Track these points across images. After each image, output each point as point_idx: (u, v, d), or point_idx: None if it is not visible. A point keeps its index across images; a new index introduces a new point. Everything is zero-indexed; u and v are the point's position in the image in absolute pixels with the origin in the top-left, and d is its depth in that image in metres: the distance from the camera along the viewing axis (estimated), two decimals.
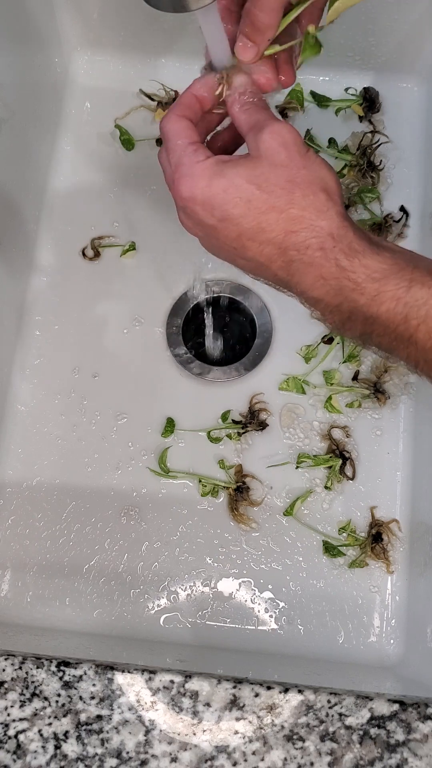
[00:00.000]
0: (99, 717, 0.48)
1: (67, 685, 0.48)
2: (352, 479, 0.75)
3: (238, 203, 0.48)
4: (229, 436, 0.76)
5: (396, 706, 0.48)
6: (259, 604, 0.72)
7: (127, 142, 0.87)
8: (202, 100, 0.53)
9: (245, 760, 0.46)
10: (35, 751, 0.47)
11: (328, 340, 0.78)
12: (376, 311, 0.46)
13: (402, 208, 0.83)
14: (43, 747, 0.47)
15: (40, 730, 0.47)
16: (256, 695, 0.48)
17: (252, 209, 0.48)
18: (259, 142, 0.49)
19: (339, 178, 0.83)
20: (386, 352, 0.49)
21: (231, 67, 0.53)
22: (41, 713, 0.48)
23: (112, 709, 0.48)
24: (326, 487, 0.74)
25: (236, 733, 0.47)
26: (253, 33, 0.51)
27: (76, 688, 0.48)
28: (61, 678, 0.49)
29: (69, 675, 0.49)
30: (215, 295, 0.81)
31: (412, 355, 0.47)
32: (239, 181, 0.48)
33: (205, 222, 0.50)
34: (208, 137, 0.56)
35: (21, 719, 0.48)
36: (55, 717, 0.48)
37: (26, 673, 0.49)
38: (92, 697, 0.48)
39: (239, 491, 0.74)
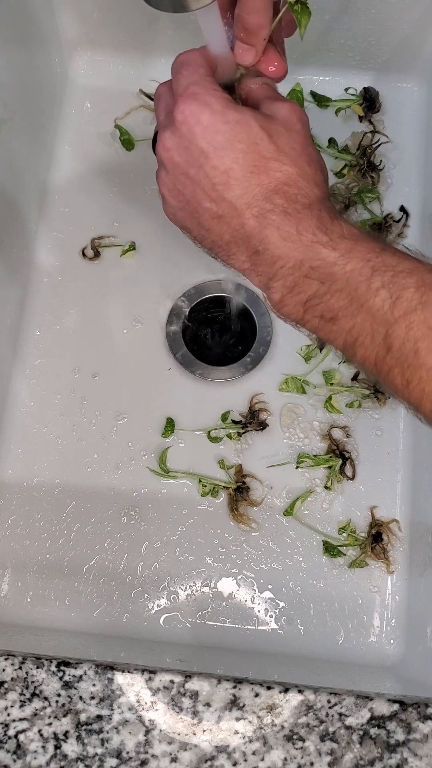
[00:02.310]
0: (99, 717, 0.48)
1: (67, 685, 0.48)
2: (352, 479, 0.75)
3: (245, 139, 0.47)
4: (229, 436, 0.76)
5: (396, 706, 0.48)
6: (259, 604, 0.72)
7: (127, 142, 0.87)
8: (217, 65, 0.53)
9: (245, 760, 0.46)
10: (35, 751, 0.47)
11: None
12: (342, 269, 0.46)
13: (402, 208, 0.83)
14: (43, 747, 0.47)
15: (40, 730, 0.47)
16: (256, 695, 0.48)
17: (256, 151, 0.47)
18: (278, 108, 0.50)
19: (339, 178, 0.84)
20: (328, 322, 0.47)
21: (239, 77, 0.54)
22: (41, 713, 0.48)
23: (112, 709, 0.48)
24: (326, 487, 0.74)
25: (236, 733, 0.47)
26: (247, 36, 0.52)
27: (76, 688, 0.48)
28: (61, 678, 0.49)
29: (69, 675, 0.49)
30: (215, 294, 0.81)
31: (357, 326, 0.45)
32: (253, 122, 0.48)
33: (197, 145, 0.48)
34: None
35: (21, 719, 0.48)
36: (55, 717, 0.48)
37: (26, 673, 0.49)
38: (92, 697, 0.48)
39: (239, 491, 0.74)
